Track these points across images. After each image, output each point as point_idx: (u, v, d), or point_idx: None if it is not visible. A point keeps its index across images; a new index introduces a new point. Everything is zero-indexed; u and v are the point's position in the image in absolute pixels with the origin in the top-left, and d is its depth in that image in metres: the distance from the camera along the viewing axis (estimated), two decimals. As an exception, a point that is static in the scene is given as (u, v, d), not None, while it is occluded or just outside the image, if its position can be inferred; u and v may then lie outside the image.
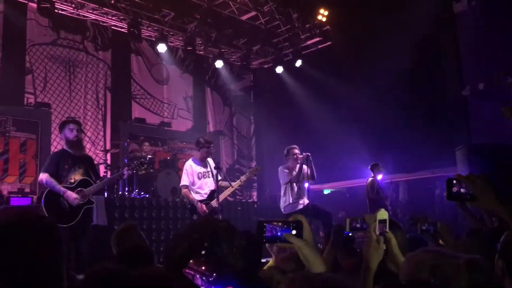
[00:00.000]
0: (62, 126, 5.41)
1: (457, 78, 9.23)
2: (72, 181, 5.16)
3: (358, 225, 2.47)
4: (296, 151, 6.98)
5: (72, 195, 5.05)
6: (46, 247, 1.21)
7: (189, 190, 6.20)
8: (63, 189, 5.04)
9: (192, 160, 6.48)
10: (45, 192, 5.09)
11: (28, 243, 1.19)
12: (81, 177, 5.21)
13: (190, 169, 6.31)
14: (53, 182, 5.04)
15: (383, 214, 1.99)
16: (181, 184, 6.41)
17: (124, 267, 1.84)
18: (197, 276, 1.12)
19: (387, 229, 2.02)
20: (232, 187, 6.23)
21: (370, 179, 8.94)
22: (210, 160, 6.44)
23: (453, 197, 1.76)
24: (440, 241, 3.24)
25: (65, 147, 5.32)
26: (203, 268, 1.10)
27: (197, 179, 6.28)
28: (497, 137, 7.67)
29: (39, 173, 5.50)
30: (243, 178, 6.46)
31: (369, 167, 8.99)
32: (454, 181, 1.75)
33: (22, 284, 1.16)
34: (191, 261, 1.08)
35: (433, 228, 3.10)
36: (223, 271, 1.14)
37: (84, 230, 5.16)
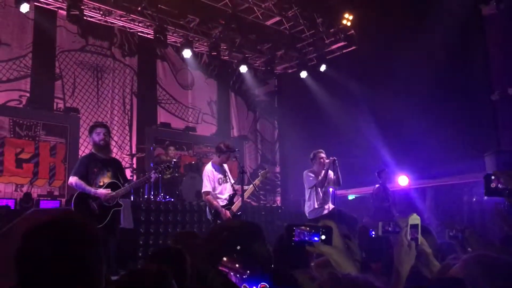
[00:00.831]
0: (90, 130, 5.51)
1: (486, 82, 9.06)
2: (101, 184, 5.25)
3: (390, 229, 2.45)
4: (323, 155, 6.93)
5: (103, 191, 5.14)
6: (90, 248, 1.24)
7: (212, 196, 6.19)
8: (93, 189, 5.14)
9: (212, 165, 6.41)
10: (75, 195, 5.19)
11: (74, 244, 1.22)
12: (110, 180, 5.29)
13: (212, 175, 6.26)
14: (83, 184, 5.14)
15: (415, 218, 1.97)
16: (203, 190, 6.32)
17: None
18: (231, 273, 1.14)
19: (419, 234, 2.00)
20: (245, 192, 6.18)
21: (376, 186, 8.76)
22: (225, 165, 6.44)
23: (491, 192, 1.73)
24: (469, 249, 3.19)
25: (93, 150, 5.42)
26: (237, 265, 1.11)
27: (218, 185, 6.27)
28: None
29: (68, 177, 5.60)
30: (256, 181, 6.41)
31: (376, 174, 8.81)
32: (493, 177, 1.73)
33: (67, 285, 1.18)
34: (224, 258, 1.10)
35: (461, 235, 3.06)
36: (256, 269, 1.15)
37: (112, 232, 5.23)
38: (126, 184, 5.42)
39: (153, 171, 5.68)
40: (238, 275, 1.12)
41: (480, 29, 9.08)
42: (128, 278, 1.69)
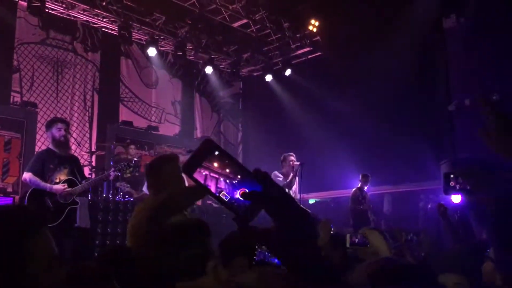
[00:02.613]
0: (49, 124, 5.34)
1: (445, 93, 9.36)
2: (58, 180, 5.10)
3: (358, 241, 2.50)
4: (293, 158, 7.03)
5: (59, 187, 4.99)
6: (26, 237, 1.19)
7: None
8: (49, 185, 4.98)
9: None
10: (29, 191, 5.02)
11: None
12: (67, 177, 5.15)
13: None
14: (38, 180, 4.98)
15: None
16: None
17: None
18: (221, 179, 1.09)
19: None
20: None
21: (354, 189, 9.05)
22: None
23: (450, 190, 1.77)
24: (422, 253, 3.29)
25: (51, 146, 5.25)
26: (228, 170, 1.07)
27: None
28: (481, 152, 7.75)
29: (23, 173, 5.41)
30: None
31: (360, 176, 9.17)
32: (452, 176, 1.77)
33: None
34: (215, 163, 1.06)
35: (416, 238, 3.16)
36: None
37: (67, 231, 5.08)
38: (83, 182, 5.29)
39: (112, 169, 5.58)
40: (227, 181, 1.08)
41: (441, 41, 9.38)
42: (67, 275, 1.62)
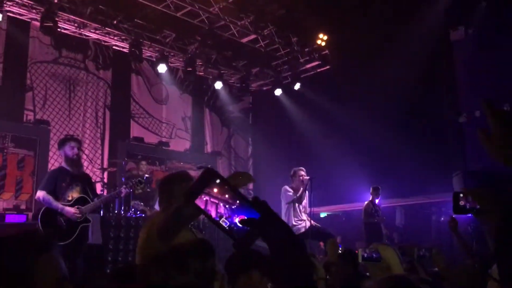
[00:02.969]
0: (62, 143, 5.41)
1: (454, 104, 9.33)
2: (70, 198, 5.16)
3: (370, 256, 2.50)
4: (303, 172, 7.01)
5: (70, 209, 5.05)
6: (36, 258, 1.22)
7: None
8: (60, 205, 5.03)
9: None
10: (42, 210, 5.08)
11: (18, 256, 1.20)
12: (79, 195, 5.21)
13: None
14: (51, 199, 5.04)
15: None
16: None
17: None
18: (221, 204, 1.14)
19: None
20: None
21: (366, 202, 9.00)
22: None
23: (460, 210, 1.77)
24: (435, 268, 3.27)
25: (63, 164, 5.32)
26: (227, 196, 1.11)
27: None
28: (492, 163, 7.69)
29: (36, 191, 5.49)
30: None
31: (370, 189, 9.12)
32: (461, 195, 1.77)
33: None
34: (215, 189, 1.10)
35: (428, 254, 3.14)
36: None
37: (79, 249, 5.13)
38: (95, 199, 5.34)
39: (124, 186, 5.63)
40: (227, 206, 1.12)
41: (448, 53, 9.38)
42: None
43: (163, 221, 2.55)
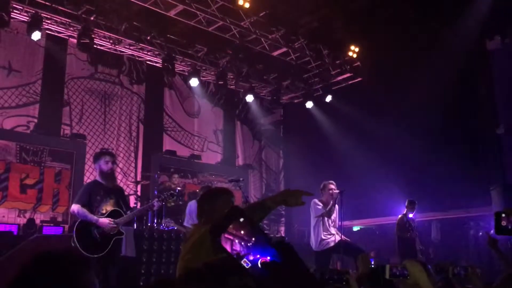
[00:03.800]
0: (97, 157, 5.50)
1: (492, 116, 9.07)
2: (104, 211, 5.23)
3: (398, 272, 2.45)
4: (333, 186, 6.90)
5: (105, 220, 5.11)
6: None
7: None
8: (95, 217, 5.11)
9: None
10: (77, 222, 5.17)
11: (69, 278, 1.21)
12: (112, 208, 5.28)
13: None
14: (85, 211, 5.12)
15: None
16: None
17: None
18: (236, 241, 1.11)
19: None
20: None
21: (400, 216, 8.73)
22: None
23: (502, 231, 1.69)
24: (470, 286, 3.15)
25: (98, 178, 5.41)
26: (242, 232, 1.09)
27: None
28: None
29: (72, 204, 5.59)
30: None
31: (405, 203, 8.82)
32: (503, 215, 1.69)
33: None
34: (230, 226, 1.08)
35: (463, 272, 3.03)
36: (261, 239, 1.11)
37: (113, 261, 5.17)
38: (128, 212, 5.40)
39: (156, 199, 5.67)
40: (242, 243, 1.09)
41: (485, 63, 9.14)
42: None
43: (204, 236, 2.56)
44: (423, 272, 2.51)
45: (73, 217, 8.62)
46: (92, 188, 5.33)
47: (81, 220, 5.14)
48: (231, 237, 1.13)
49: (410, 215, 8.66)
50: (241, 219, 1.07)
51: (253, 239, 1.08)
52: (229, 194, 3.03)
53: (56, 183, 9.63)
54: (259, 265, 1.05)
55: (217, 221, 1.12)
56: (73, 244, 4.95)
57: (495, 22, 8.73)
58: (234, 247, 1.12)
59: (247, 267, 1.06)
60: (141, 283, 7.16)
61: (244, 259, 1.09)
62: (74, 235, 5.04)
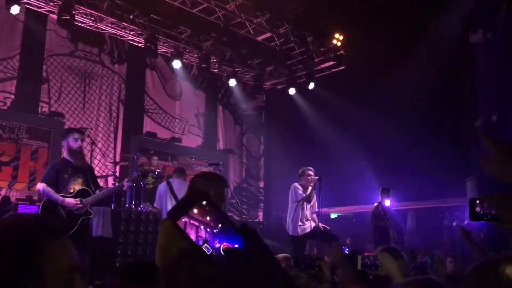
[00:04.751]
0: (66, 134, 5.37)
1: (472, 108, 9.19)
2: (71, 190, 5.13)
3: (369, 262, 2.50)
4: (311, 172, 6.96)
5: (71, 201, 5.01)
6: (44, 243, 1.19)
7: None
8: (61, 197, 5.00)
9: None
10: (43, 202, 5.06)
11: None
12: (81, 187, 5.18)
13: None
14: (51, 191, 5.00)
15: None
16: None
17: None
18: (201, 227, 1.09)
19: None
20: None
21: (375, 204, 8.69)
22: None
23: (476, 217, 1.73)
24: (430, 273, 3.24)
25: (65, 155, 5.28)
26: (208, 218, 1.07)
27: None
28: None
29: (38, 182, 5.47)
30: None
31: (379, 191, 8.76)
32: (477, 201, 1.73)
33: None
34: (195, 210, 1.06)
35: (429, 260, 3.12)
36: (227, 225, 1.09)
37: (82, 241, 5.04)
38: (97, 191, 5.31)
39: (126, 179, 5.63)
40: (208, 229, 1.07)
41: (467, 56, 9.24)
42: None
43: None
44: (393, 263, 2.56)
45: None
46: (59, 167, 5.21)
47: (47, 199, 5.03)
48: (197, 223, 1.12)
49: (387, 203, 8.74)
50: (204, 202, 1.04)
51: (219, 225, 1.06)
52: (223, 183, 2.99)
53: (33, 161, 9.47)
54: (221, 251, 1.03)
55: (178, 203, 1.09)
56: None
57: (478, 15, 8.81)
58: (199, 234, 1.11)
59: (208, 252, 1.04)
60: (118, 264, 7.13)
61: (206, 245, 1.08)
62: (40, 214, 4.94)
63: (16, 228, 1.19)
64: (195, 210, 1.06)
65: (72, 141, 5.21)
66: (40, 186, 5.06)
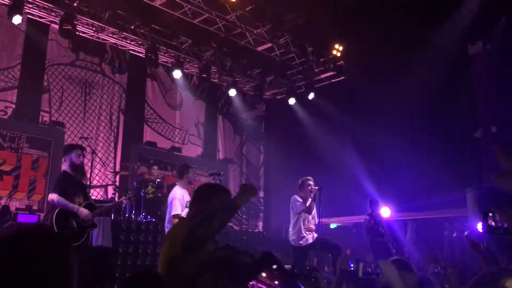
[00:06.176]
0: (69, 149, 5.43)
1: (471, 119, 9.23)
2: (77, 204, 5.21)
3: (371, 270, 2.50)
4: (311, 182, 6.94)
5: (84, 211, 5.10)
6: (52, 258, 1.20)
7: None
8: (76, 206, 5.10)
9: (181, 188, 6.32)
10: (57, 210, 5.09)
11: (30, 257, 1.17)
12: (84, 201, 5.26)
13: (182, 198, 6.14)
14: (65, 201, 5.07)
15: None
16: (174, 213, 6.08)
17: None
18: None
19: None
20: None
21: (366, 217, 8.28)
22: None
23: (490, 231, 1.72)
24: (446, 286, 3.23)
25: (67, 169, 5.34)
26: (276, 282, 1.10)
27: (185, 208, 6.21)
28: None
29: (49, 192, 5.53)
30: None
31: (369, 201, 8.39)
32: (490, 214, 1.72)
33: None
34: (263, 274, 1.09)
35: (443, 272, 3.11)
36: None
37: (85, 252, 5.15)
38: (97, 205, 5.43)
39: (124, 197, 5.73)
40: None
41: (466, 68, 9.29)
42: None
43: (189, 233, 2.54)
44: (395, 271, 2.56)
45: (50, 205, 8.50)
46: (65, 180, 5.27)
47: (60, 209, 5.07)
48: (264, 286, 1.15)
49: (387, 213, 8.59)
50: (274, 266, 1.08)
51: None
52: (228, 195, 3.01)
53: (33, 170, 9.47)
54: None
55: (249, 266, 1.12)
56: None
57: (477, 27, 8.87)
58: None
59: None
60: (117, 274, 7.11)
61: None
62: (54, 224, 4.96)
63: (25, 240, 1.20)
64: (264, 274, 1.10)
65: (75, 157, 5.27)
66: (54, 196, 5.07)
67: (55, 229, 4.92)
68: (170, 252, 2.69)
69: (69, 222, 5.05)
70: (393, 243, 8.35)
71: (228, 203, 2.81)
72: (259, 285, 1.11)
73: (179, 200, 6.10)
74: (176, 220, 6.15)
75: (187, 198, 6.22)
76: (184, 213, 5.99)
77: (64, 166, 5.37)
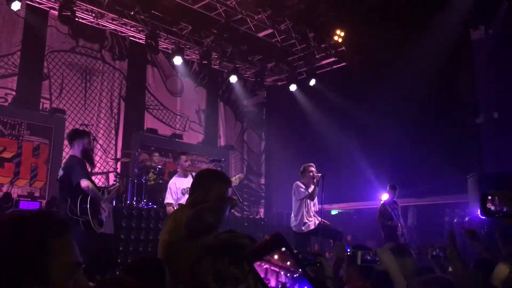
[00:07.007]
0: (81, 135, 5.26)
1: (472, 105, 9.19)
2: None
3: (369, 258, 2.50)
4: (313, 169, 6.93)
5: (107, 207, 5.19)
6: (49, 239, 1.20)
7: (173, 208, 6.14)
8: (102, 197, 5.14)
9: (176, 176, 6.50)
10: (90, 198, 4.97)
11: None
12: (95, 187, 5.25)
13: (174, 187, 6.34)
14: (95, 188, 5.04)
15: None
16: (165, 202, 6.45)
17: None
18: (281, 272, 1.11)
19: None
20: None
21: (381, 203, 8.52)
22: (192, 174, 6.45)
23: (488, 214, 1.71)
24: (449, 269, 3.22)
25: (78, 155, 5.20)
26: (289, 263, 1.10)
27: (181, 195, 6.30)
28: (509, 166, 7.61)
29: (50, 178, 5.54)
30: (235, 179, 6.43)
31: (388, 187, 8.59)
32: (489, 197, 1.70)
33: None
34: (275, 256, 1.09)
35: (443, 254, 3.10)
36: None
37: (91, 238, 5.20)
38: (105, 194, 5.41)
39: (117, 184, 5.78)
40: (288, 274, 1.09)
41: (468, 53, 9.23)
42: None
43: (195, 219, 2.53)
44: (394, 261, 2.57)
45: (52, 191, 8.54)
46: (83, 165, 5.19)
47: (92, 196, 4.97)
48: (277, 269, 1.14)
49: (384, 198, 8.63)
50: (283, 249, 1.07)
51: (299, 270, 1.10)
52: (227, 184, 2.96)
53: (35, 157, 9.48)
54: None
55: (257, 246, 1.12)
56: (82, 219, 4.83)
57: (480, 12, 8.79)
58: (279, 279, 1.13)
59: None
60: (119, 261, 7.15)
61: None
62: (89, 210, 4.89)
63: (22, 225, 1.20)
64: (276, 257, 1.09)
65: (88, 143, 5.21)
66: (88, 183, 4.91)
67: (90, 216, 4.87)
68: (171, 237, 2.69)
69: (99, 210, 5.06)
70: (405, 229, 8.46)
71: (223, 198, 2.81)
72: (272, 268, 1.11)
73: (169, 188, 6.37)
74: (170, 208, 6.22)
75: (181, 185, 6.29)
76: (183, 200, 6.03)
77: (74, 151, 5.19)
